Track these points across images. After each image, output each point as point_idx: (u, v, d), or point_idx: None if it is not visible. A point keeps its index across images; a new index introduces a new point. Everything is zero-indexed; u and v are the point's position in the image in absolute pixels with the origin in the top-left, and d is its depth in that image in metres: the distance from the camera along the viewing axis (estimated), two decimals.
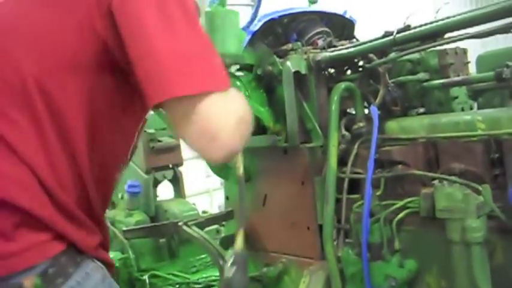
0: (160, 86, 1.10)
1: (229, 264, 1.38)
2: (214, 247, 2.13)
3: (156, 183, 3.43)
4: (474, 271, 1.57)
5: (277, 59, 2.09)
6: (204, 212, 3.33)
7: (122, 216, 3.30)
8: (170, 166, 3.48)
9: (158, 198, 3.55)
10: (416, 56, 2.08)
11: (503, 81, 1.77)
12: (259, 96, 2.19)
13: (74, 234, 1.20)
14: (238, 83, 2.21)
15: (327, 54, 2.02)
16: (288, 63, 2.01)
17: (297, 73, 2.01)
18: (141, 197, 3.33)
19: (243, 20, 2.77)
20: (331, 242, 1.94)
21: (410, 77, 2.05)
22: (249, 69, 2.24)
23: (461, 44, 1.92)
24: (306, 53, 2.07)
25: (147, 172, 3.35)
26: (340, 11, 2.38)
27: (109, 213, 3.47)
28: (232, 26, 2.06)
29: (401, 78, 2.05)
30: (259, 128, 2.19)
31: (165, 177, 3.45)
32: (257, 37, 2.17)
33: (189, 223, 2.24)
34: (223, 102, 1.13)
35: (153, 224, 3.05)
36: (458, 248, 1.59)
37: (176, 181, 3.54)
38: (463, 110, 2.07)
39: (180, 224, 2.25)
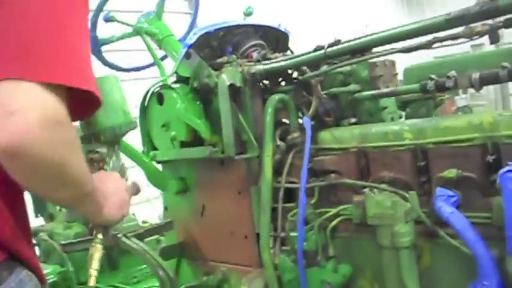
0: None
1: None
2: (154, 258, 2.14)
3: None
4: (403, 274, 1.66)
5: (213, 72, 2.12)
6: (144, 221, 3.32)
7: (60, 229, 3.24)
8: None
9: None
10: (347, 68, 2.16)
11: (427, 92, 1.86)
12: (196, 108, 2.22)
13: (14, 244, 1.17)
14: (174, 95, 2.23)
15: (261, 67, 2.08)
16: (223, 76, 2.05)
17: (232, 86, 2.05)
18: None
19: (181, 30, 2.81)
20: (268, 250, 1.99)
21: (342, 89, 2.13)
22: (186, 82, 2.26)
23: (389, 56, 2.01)
24: (240, 65, 2.12)
25: None
26: (274, 24, 2.44)
27: (47, 226, 3.40)
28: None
29: (333, 89, 2.13)
30: (197, 140, 2.23)
31: None
32: (192, 50, 2.20)
33: (129, 234, 2.24)
34: (41, 93, 1.01)
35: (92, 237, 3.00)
36: (388, 252, 1.68)
37: None
38: (392, 119, 2.17)
39: (119, 235, 2.24)
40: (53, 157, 1.05)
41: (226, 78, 2.05)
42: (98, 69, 2.86)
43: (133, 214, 3.50)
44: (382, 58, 2.13)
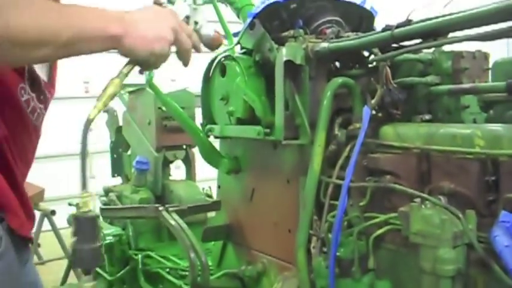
0: None
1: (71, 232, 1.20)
2: (189, 238, 2.01)
3: (167, 162, 3.33)
4: None
5: (275, 46, 1.92)
6: (208, 196, 3.21)
7: (128, 192, 3.23)
8: (184, 147, 3.37)
9: (171, 178, 3.47)
10: (428, 56, 1.87)
11: None
12: (256, 84, 2.04)
13: None
14: (237, 67, 2.06)
15: (326, 44, 1.84)
16: (283, 51, 1.84)
17: (290, 62, 1.83)
18: (149, 174, 3.24)
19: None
20: (303, 249, 1.78)
21: (416, 79, 1.85)
22: (251, 54, 2.08)
23: (490, 47, 1.69)
24: (306, 41, 1.89)
25: (158, 150, 3.26)
26: (357, 1, 2.17)
27: (118, 187, 3.42)
28: None
29: (406, 79, 1.85)
30: (255, 118, 2.04)
31: (176, 157, 3.35)
32: (259, 20, 2.01)
33: (170, 209, 2.13)
34: None
35: (133, 206, 2.94)
36: (428, 278, 1.40)
37: (188, 162, 3.43)
38: (475, 121, 1.85)
39: (160, 209, 2.13)
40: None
41: (284, 53, 1.83)
42: None
43: (207, 188, 3.41)
44: (471, 49, 1.84)
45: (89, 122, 1.23)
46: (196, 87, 2.46)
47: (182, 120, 2.37)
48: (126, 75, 1.33)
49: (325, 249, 1.80)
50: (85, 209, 1.20)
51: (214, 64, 2.20)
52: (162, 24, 1.29)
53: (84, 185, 1.20)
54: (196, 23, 1.52)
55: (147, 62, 1.32)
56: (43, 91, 1.41)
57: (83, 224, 1.20)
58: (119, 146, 3.72)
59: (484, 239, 1.39)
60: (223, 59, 2.16)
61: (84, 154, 1.22)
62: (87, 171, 1.21)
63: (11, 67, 1.19)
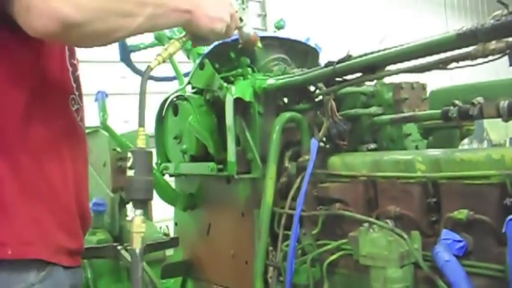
0: None
1: (128, 165, 1.26)
2: (148, 276, 2.03)
3: (124, 203, 3.33)
4: None
5: (224, 84, 2.00)
6: (165, 235, 3.21)
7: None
8: None
9: (128, 218, 3.46)
10: (370, 88, 1.98)
11: (449, 120, 1.65)
12: (208, 122, 2.11)
13: None
14: (188, 106, 2.13)
15: (273, 81, 1.93)
16: (232, 89, 1.92)
17: (240, 100, 1.91)
18: (106, 215, 3.24)
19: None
20: (260, 279, 1.84)
21: (360, 110, 1.95)
22: (201, 93, 2.15)
23: (426, 77, 1.80)
24: (254, 79, 1.98)
25: (114, 191, 3.26)
26: (302, 38, 2.28)
27: None
28: None
29: (350, 111, 1.94)
30: (208, 155, 2.10)
31: None
32: (209, 60, 2.08)
33: (129, 248, 2.14)
34: None
35: (91, 246, 2.92)
36: None
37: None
38: (417, 148, 1.96)
39: (119, 248, 2.15)
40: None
41: (233, 91, 1.91)
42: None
43: (163, 228, 3.42)
44: (410, 80, 1.96)
45: (149, 70, 1.35)
46: (149, 127, 2.51)
47: None
48: (184, 42, 1.46)
49: (281, 278, 1.85)
50: (141, 145, 1.27)
51: (167, 104, 2.26)
52: (225, 9, 1.44)
53: (141, 122, 1.27)
54: (241, 20, 1.63)
55: (205, 38, 1.46)
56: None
57: (140, 157, 1.26)
58: None
59: (429, 257, 1.46)
60: (175, 98, 2.22)
61: (142, 94, 1.30)
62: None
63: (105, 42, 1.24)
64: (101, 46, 1.23)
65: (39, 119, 1.24)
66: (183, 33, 1.46)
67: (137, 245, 1.26)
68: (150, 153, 1.29)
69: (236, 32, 1.60)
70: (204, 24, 1.38)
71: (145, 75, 1.33)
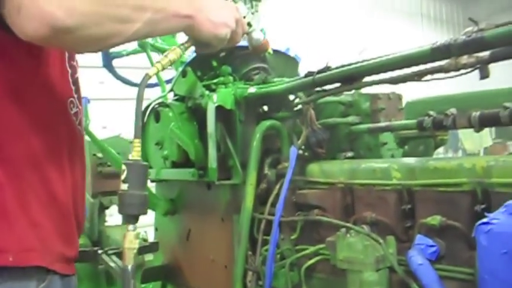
0: None
1: (122, 178, 1.21)
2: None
3: (103, 208, 3.35)
4: None
5: (206, 92, 2.04)
6: (144, 240, 3.23)
7: None
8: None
9: (107, 224, 3.48)
10: (348, 98, 2.03)
11: (424, 130, 1.71)
12: (189, 129, 2.14)
13: None
14: (170, 113, 2.16)
15: (253, 90, 1.98)
16: (213, 97, 1.97)
17: (221, 108, 1.96)
18: (85, 220, 3.24)
19: None
20: (240, 283, 1.87)
21: (339, 120, 2.00)
22: (183, 100, 2.19)
23: (403, 88, 1.86)
24: (235, 87, 2.03)
25: (94, 196, 3.28)
26: (281, 48, 2.33)
27: None
28: None
29: (329, 120, 2.00)
30: (189, 161, 2.14)
31: (112, 203, 3.37)
32: (191, 68, 2.13)
33: (109, 252, 2.17)
34: None
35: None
36: None
37: None
38: (393, 156, 2.02)
39: (99, 252, 2.17)
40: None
41: (215, 99, 1.96)
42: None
43: (142, 233, 3.44)
44: (387, 91, 2.02)
45: (147, 78, 1.29)
46: (128, 133, 2.54)
47: (119, 165, 2.43)
48: (186, 48, 1.40)
49: (260, 283, 1.89)
50: (136, 157, 1.22)
51: (149, 110, 2.29)
52: (229, 13, 1.39)
53: (137, 133, 1.24)
54: (250, 25, 1.58)
55: (208, 44, 1.39)
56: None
57: (135, 170, 1.21)
58: None
59: (404, 261, 1.52)
60: (157, 105, 2.26)
61: (139, 103, 1.26)
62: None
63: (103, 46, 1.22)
64: (97, 51, 1.22)
65: (39, 123, 1.22)
66: (185, 40, 1.40)
67: (129, 262, 1.20)
68: (146, 166, 1.25)
69: (245, 37, 1.55)
70: (207, 29, 1.32)
71: (142, 84, 1.28)
